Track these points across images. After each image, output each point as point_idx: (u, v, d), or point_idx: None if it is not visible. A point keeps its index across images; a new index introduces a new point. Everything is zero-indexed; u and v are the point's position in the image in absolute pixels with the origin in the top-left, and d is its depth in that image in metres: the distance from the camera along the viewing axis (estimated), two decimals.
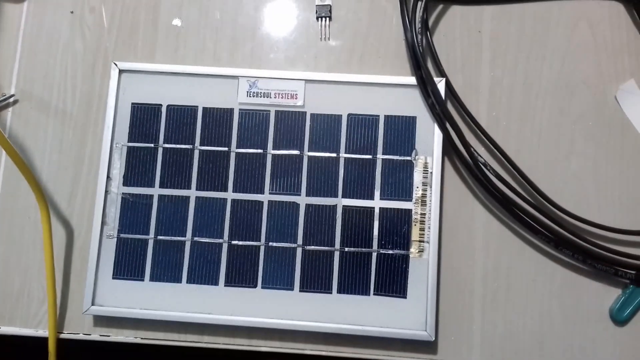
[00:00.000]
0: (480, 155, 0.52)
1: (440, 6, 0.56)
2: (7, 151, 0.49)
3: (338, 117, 0.53)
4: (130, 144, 0.54)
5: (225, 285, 0.52)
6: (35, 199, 0.51)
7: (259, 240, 0.52)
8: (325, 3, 0.56)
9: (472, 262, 0.52)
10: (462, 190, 0.53)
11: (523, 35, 0.56)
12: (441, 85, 0.52)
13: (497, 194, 0.51)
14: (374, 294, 0.51)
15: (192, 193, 0.53)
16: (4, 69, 0.57)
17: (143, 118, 0.54)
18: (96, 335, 0.53)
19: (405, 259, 0.51)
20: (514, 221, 0.52)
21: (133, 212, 0.53)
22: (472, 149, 0.51)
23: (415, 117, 0.53)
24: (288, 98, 0.54)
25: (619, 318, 0.51)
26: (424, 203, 0.52)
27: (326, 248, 0.52)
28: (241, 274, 0.52)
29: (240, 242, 0.52)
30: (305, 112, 0.54)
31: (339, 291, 0.51)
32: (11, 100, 0.56)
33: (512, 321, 0.52)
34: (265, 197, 0.53)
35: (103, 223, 0.52)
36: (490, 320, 0.52)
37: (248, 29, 0.57)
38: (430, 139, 0.52)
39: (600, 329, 0.51)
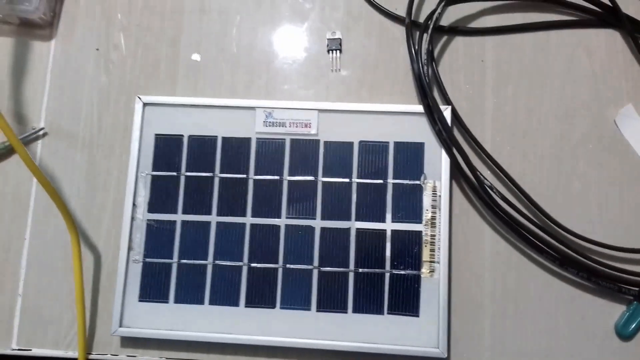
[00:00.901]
0: (486, 179, 0.54)
1: (445, 37, 0.60)
2: (39, 180, 0.52)
3: (350, 144, 0.56)
4: (155, 173, 0.57)
5: (245, 306, 0.54)
6: (66, 226, 0.54)
7: (277, 263, 0.55)
8: (336, 37, 0.60)
9: (481, 281, 0.55)
10: (470, 212, 0.56)
11: (524, 63, 0.59)
12: (447, 113, 0.55)
13: (504, 215, 0.54)
14: (388, 313, 0.53)
15: (213, 218, 0.56)
16: (34, 104, 0.61)
17: (166, 148, 0.57)
18: (123, 355, 0.55)
19: (417, 279, 0.54)
20: (520, 241, 0.55)
21: (157, 238, 0.56)
22: (478, 173, 0.54)
23: (423, 143, 0.56)
24: (302, 127, 0.57)
25: (624, 333, 0.53)
26: (433, 225, 0.54)
27: (341, 269, 0.54)
28: (260, 295, 0.54)
29: (259, 265, 0.55)
30: (319, 140, 0.57)
31: (354, 311, 0.54)
32: (41, 133, 0.60)
33: (520, 337, 0.54)
34: (282, 221, 0.55)
35: (129, 248, 0.55)
36: (500, 336, 0.54)
37: (263, 62, 0.60)
38: (438, 164, 0.55)
39: (606, 345, 0.53)
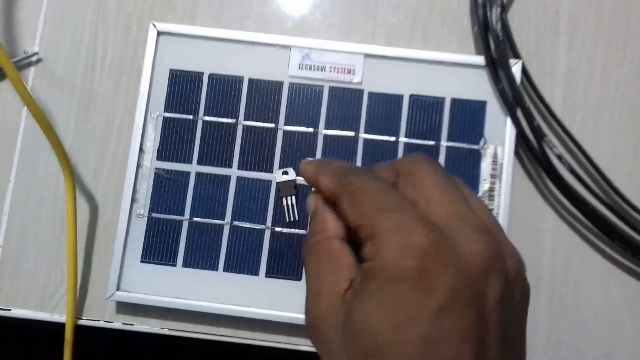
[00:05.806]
0: (555, 147, 0.47)
1: None
2: (31, 110, 0.43)
3: (399, 98, 0.48)
4: (167, 115, 0.48)
5: (266, 276, 0.47)
6: (60, 168, 0.46)
7: (305, 228, 0.47)
8: None
9: (539, 265, 0.48)
10: (531, 185, 0.48)
11: (603, 19, 0.51)
12: (517, 69, 0.47)
13: (571, 191, 0.46)
14: None
15: (234, 172, 0.48)
16: (28, 26, 0.51)
17: (182, 87, 0.48)
18: (119, 323, 0.48)
19: None
20: (588, 223, 0.47)
21: (167, 190, 0.47)
22: (546, 140, 0.46)
23: (486, 101, 0.48)
24: (345, 73, 0.48)
25: None
26: (491, 197, 0.47)
27: None
28: (284, 265, 0.47)
29: (285, 229, 0.47)
30: (363, 90, 0.48)
31: None
32: (34, 58, 0.51)
33: (579, 331, 0.47)
34: None
35: (133, 200, 0.47)
36: (556, 328, 0.47)
37: None
38: (502, 127, 0.47)
39: None
